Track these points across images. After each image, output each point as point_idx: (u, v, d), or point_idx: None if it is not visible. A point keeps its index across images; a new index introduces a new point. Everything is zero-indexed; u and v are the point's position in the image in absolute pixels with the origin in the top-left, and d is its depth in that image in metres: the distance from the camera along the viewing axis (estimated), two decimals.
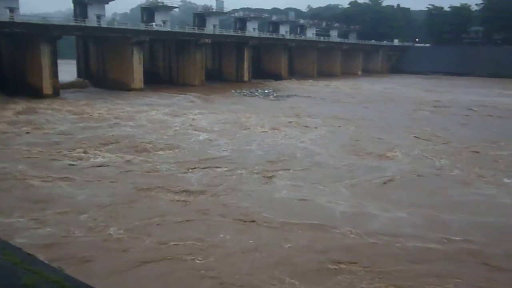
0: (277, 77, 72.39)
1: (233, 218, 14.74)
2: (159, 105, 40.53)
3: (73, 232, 13.22)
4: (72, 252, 12.04)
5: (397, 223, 14.74)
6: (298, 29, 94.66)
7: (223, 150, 23.92)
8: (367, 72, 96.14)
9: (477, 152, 24.80)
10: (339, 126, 32.16)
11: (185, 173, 19.56)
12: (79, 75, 58.70)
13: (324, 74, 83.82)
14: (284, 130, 29.81)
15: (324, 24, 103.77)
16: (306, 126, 31.67)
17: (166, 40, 60.52)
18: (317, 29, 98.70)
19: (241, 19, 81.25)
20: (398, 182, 19.34)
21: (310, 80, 72.48)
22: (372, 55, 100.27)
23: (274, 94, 52.37)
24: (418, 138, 28.43)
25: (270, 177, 19.17)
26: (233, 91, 53.94)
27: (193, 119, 33.28)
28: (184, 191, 17.03)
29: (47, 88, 43.26)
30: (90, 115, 33.96)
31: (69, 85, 52.14)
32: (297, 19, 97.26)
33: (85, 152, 22.43)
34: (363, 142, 26.77)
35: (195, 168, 20.25)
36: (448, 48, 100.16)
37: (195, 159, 21.77)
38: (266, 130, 29.89)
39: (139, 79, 52.17)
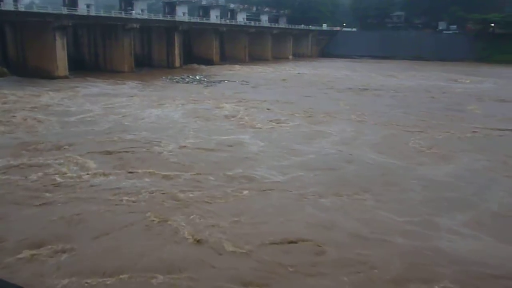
0: (209, 62, 71.84)
1: None
2: (117, 95, 37.98)
3: None
4: None
5: None
6: (229, 13, 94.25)
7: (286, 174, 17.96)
8: (298, 56, 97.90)
9: None
10: (356, 119, 29.30)
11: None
12: None
13: (256, 58, 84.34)
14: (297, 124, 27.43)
15: (254, 8, 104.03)
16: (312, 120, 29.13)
17: (91, 25, 57.97)
18: (248, 14, 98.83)
19: (170, 3, 79.56)
20: None
21: (243, 65, 72.61)
22: (302, 40, 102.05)
23: (206, 80, 51.97)
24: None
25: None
26: (163, 77, 52.81)
27: (182, 113, 30.12)
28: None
29: None
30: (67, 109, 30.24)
31: None
32: (227, 4, 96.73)
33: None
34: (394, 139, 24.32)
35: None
36: (373, 32, 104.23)
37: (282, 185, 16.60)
38: (273, 124, 27.16)
39: (63, 66, 49.75)
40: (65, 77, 48.76)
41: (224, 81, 51.49)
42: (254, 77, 56.82)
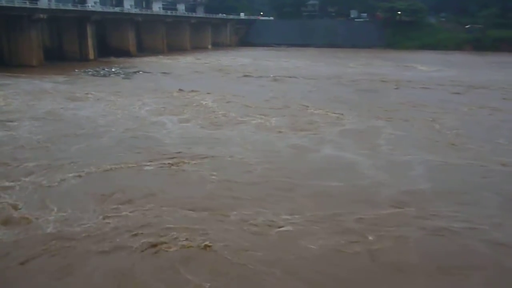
0: (126, 54, 69.63)
1: None
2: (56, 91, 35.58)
3: None
4: None
5: None
6: (144, 3, 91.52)
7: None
8: (217, 45, 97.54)
9: None
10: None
11: None
12: None
13: (175, 49, 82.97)
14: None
15: None
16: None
17: None
18: (164, 3, 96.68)
19: None
20: None
21: (162, 56, 71.20)
22: (220, 29, 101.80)
23: (122, 71, 50.30)
24: None
25: None
26: (76, 70, 50.22)
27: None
28: None
29: None
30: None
31: None
32: None
33: None
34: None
35: None
36: (289, 21, 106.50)
37: None
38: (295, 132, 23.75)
39: None
40: None
41: (140, 72, 50.39)
42: (175, 67, 55.92)
